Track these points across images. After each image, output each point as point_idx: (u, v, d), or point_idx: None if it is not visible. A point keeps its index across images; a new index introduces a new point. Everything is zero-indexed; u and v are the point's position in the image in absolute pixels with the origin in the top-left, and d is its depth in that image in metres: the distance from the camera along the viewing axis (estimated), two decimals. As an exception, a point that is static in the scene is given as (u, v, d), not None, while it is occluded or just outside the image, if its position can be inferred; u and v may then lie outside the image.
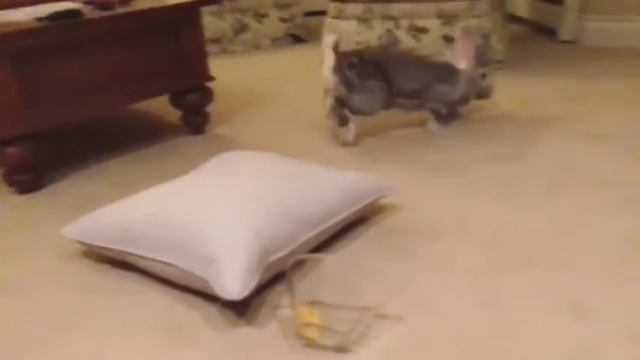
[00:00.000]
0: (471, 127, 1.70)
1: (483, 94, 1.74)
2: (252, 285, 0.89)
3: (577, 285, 0.95)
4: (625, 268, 0.99)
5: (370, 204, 1.18)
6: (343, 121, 1.60)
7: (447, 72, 1.66)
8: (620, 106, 1.77)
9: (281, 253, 0.98)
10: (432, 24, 2.30)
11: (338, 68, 1.56)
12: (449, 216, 1.21)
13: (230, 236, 0.93)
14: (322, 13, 2.67)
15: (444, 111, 1.69)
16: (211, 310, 0.96)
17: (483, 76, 1.72)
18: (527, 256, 1.04)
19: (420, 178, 1.39)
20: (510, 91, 1.98)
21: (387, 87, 1.58)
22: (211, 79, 1.80)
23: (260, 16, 3.05)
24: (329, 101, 1.62)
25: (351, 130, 1.61)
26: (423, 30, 2.32)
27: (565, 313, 0.89)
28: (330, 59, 1.57)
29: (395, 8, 2.35)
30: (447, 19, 2.27)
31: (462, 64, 1.67)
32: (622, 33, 2.45)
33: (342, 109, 1.59)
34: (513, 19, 3.01)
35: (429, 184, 1.36)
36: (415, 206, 1.26)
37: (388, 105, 1.62)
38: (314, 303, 0.94)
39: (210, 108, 1.85)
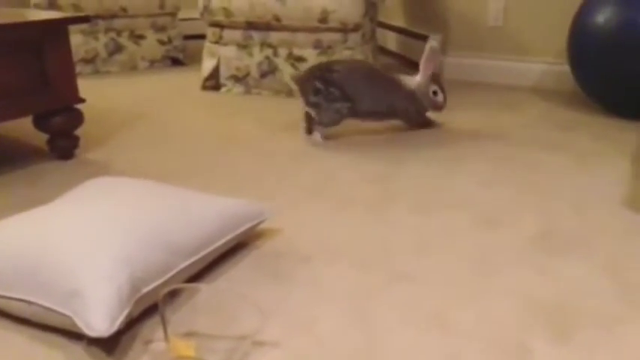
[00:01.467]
0: (346, 151, 1.78)
1: (434, 106, 1.95)
2: (121, 319, 0.85)
3: (440, 299, 1.03)
4: (481, 282, 1.09)
5: (249, 229, 1.18)
6: (309, 131, 1.89)
7: (403, 94, 1.89)
8: (477, 134, 1.96)
9: (154, 284, 0.95)
10: (309, 53, 2.39)
11: (303, 94, 1.82)
12: (324, 237, 1.25)
13: (96, 267, 0.88)
14: (202, 37, 2.66)
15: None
16: (75, 348, 0.89)
17: (435, 93, 1.92)
18: (395, 273, 1.11)
19: (299, 201, 1.43)
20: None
21: (351, 107, 1.82)
22: (81, 100, 1.70)
23: (137, 37, 2.96)
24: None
25: (316, 135, 1.87)
26: (301, 59, 2.40)
27: (431, 326, 0.95)
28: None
29: (273, 36, 2.41)
30: (323, 49, 2.37)
31: (419, 77, 1.91)
32: (476, 68, 2.73)
33: (309, 122, 1.88)
34: (384, 52, 3.22)
35: (307, 207, 1.40)
36: (293, 229, 1.28)
37: (356, 117, 1.87)
38: (189, 334, 0.92)
39: (80, 131, 1.75)
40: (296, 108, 2.28)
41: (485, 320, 0.97)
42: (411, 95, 1.91)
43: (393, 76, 1.93)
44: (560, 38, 2.45)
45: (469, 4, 2.68)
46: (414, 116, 1.96)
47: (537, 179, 1.57)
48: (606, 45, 2.01)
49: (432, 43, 1.87)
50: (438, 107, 1.96)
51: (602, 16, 2.01)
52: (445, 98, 1.95)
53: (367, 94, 1.84)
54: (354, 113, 1.84)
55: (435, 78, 1.92)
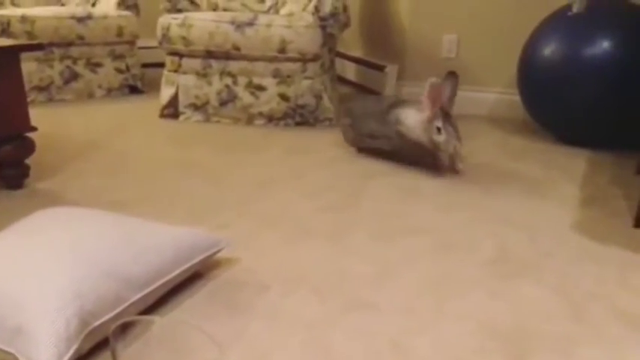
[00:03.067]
0: (304, 180, 1.79)
1: (436, 146, 1.78)
2: (69, 355, 0.81)
3: (398, 326, 1.03)
4: (438, 307, 1.10)
5: (204, 259, 1.16)
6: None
7: (397, 117, 1.86)
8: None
9: (105, 317, 0.91)
10: (269, 82, 2.41)
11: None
12: (283, 267, 1.24)
13: (42, 301, 0.84)
14: (161, 65, 2.65)
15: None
16: (20, 388, 0.85)
17: (438, 130, 1.76)
18: (353, 301, 1.11)
19: (257, 230, 1.42)
20: (341, 147, 2.14)
21: (352, 123, 2.01)
22: (32, 129, 1.66)
23: (93, 65, 2.92)
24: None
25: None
26: (260, 87, 2.42)
27: (389, 354, 0.95)
28: None
29: (233, 65, 2.42)
30: (282, 78, 2.40)
31: (425, 112, 1.78)
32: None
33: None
34: (343, 81, 3.28)
35: (266, 236, 1.39)
36: (251, 259, 1.27)
37: (360, 136, 2.01)
38: (141, 368, 0.89)
39: (31, 160, 1.70)
40: (255, 136, 2.28)
41: (442, 346, 0.97)
42: (399, 129, 1.85)
43: (399, 108, 1.87)
44: (510, 69, 2.55)
45: (424, 37, 2.78)
46: (400, 148, 1.90)
47: (491, 205, 1.61)
48: (552, 76, 2.11)
49: (433, 78, 1.75)
50: (439, 147, 1.77)
51: (548, 49, 2.12)
52: (451, 140, 1.75)
53: (368, 118, 1.96)
54: (357, 130, 2.01)
55: (445, 115, 1.75)
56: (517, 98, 2.42)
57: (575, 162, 2.02)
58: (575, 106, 2.09)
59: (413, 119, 1.82)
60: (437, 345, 0.98)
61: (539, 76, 2.16)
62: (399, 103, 1.93)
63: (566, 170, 1.93)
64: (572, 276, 1.22)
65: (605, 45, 2.01)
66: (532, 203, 1.63)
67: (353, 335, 1.00)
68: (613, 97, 2.03)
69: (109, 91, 2.99)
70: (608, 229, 1.45)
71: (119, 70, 3.00)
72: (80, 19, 2.84)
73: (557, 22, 2.15)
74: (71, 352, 0.82)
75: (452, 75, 1.80)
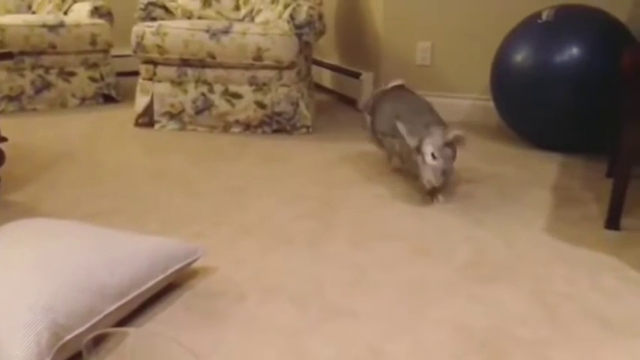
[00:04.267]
0: (280, 189, 1.79)
1: (418, 176, 1.67)
2: (40, 370, 0.80)
3: (376, 332, 1.03)
4: (415, 313, 1.10)
5: (180, 269, 1.15)
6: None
7: (416, 128, 1.70)
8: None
9: (78, 330, 0.90)
10: (245, 90, 2.40)
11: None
12: (260, 275, 1.23)
13: (11, 315, 0.82)
14: (135, 73, 2.62)
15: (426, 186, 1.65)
16: (-11, 405, 0.83)
17: (426, 166, 1.62)
18: (331, 308, 1.11)
19: (234, 238, 1.41)
20: (318, 154, 2.14)
21: (372, 120, 1.96)
22: (2, 139, 1.63)
23: (67, 74, 2.88)
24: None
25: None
26: (236, 95, 2.41)
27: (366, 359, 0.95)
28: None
29: (209, 73, 2.41)
30: (258, 86, 2.39)
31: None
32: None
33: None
34: (320, 88, 3.29)
35: (243, 244, 1.38)
36: (228, 268, 1.26)
37: (374, 134, 1.96)
38: (116, 382, 0.87)
39: (2, 171, 1.67)
40: (231, 144, 2.27)
41: (419, 351, 0.98)
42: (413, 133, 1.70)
43: (421, 117, 1.76)
44: (484, 76, 2.59)
45: (398, 44, 2.80)
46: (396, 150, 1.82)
47: (466, 209, 1.63)
48: (524, 82, 2.15)
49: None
50: (420, 179, 1.64)
51: (519, 56, 2.16)
52: (431, 176, 1.60)
53: (384, 117, 1.88)
54: (373, 127, 1.96)
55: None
56: (491, 104, 2.46)
57: (547, 166, 2.06)
58: (546, 111, 2.13)
59: (415, 137, 1.69)
60: (415, 350, 0.98)
61: (511, 82, 2.19)
62: (434, 116, 1.81)
63: (539, 174, 1.96)
64: (545, 279, 1.24)
65: (574, 51, 2.06)
66: (506, 207, 1.66)
67: (331, 342, 1.00)
68: (583, 102, 2.07)
69: (83, 101, 2.95)
70: (580, 232, 1.48)
71: (93, 79, 2.96)
72: (52, 28, 2.79)
73: (528, 29, 2.20)
74: (43, 367, 0.80)
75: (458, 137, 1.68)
